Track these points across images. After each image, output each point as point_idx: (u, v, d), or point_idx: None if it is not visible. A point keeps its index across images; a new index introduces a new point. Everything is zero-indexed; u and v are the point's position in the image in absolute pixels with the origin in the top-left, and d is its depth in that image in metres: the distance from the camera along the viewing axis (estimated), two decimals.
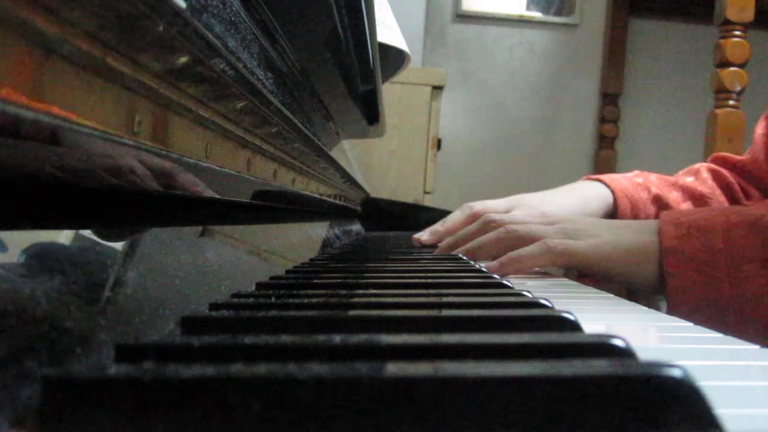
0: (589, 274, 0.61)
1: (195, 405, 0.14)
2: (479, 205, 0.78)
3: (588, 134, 2.53)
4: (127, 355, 0.18)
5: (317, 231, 0.73)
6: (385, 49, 0.97)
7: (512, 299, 0.30)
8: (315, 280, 0.39)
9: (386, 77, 1.06)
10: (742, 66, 1.39)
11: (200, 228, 0.33)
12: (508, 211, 0.76)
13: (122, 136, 0.20)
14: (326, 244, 0.73)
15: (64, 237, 0.20)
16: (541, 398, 0.14)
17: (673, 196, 0.85)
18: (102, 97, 0.19)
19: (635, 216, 0.83)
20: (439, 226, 0.81)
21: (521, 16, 2.47)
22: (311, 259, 0.54)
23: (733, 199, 0.86)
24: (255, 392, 0.14)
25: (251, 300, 0.29)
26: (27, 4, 0.14)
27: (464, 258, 0.59)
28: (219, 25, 0.29)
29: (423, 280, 0.39)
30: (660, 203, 0.84)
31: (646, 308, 0.40)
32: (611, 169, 2.41)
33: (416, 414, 0.14)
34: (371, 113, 0.81)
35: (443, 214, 1.00)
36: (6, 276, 0.17)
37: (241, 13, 0.37)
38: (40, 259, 0.18)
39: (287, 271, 0.43)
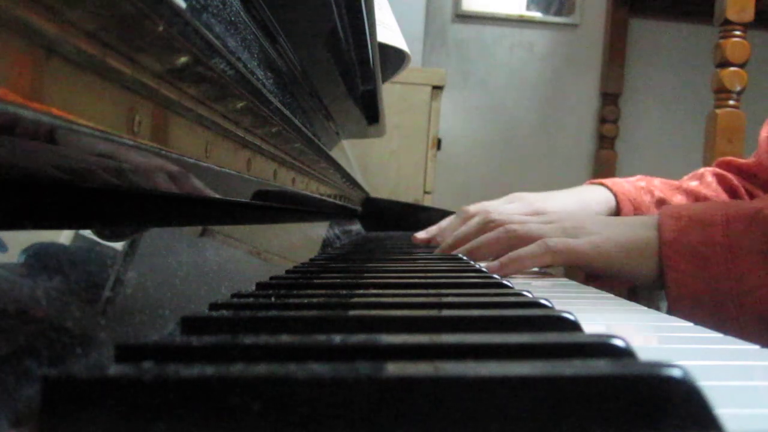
0: (594, 274, 0.61)
1: (195, 405, 0.14)
2: (475, 208, 0.77)
3: (588, 134, 2.53)
4: (127, 355, 0.18)
5: (317, 231, 0.73)
6: (385, 49, 0.97)
7: (512, 299, 0.30)
8: (315, 280, 0.39)
9: (386, 77, 1.06)
10: (742, 66, 1.39)
11: (200, 228, 0.33)
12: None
13: (122, 135, 0.20)
14: (326, 244, 0.73)
15: (64, 237, 0.20)
16: (541, 398, 0.14)
17: (677, 200, 0.84)
18: (102, 96, 0.19)
19: None
20: (434, 228, 0.81)
21: (521, 16, 2.47)
22: (311, 259, 0.54)
23: None
24: (255, 392, 0.14)
25: (251, 300, 0.29)
26: (27, 4, 0.14)
27: (464, 258, 0.59)
28: (219, 25, 0.29)
29: (423, 280, 0.39)
30: (663, 207, 0.84)
31: (646, 308, 0.40)
32: (611, 168, 2.41)
33: (416, 414, 0.14)
34: (371, 113, 0.81)
35: (443, 214, 1.00)
36: (6, 276, 0.17)
37: (241, 13, 0.37)
38: (40, 259, 0.18)
39: (287, 271, 0.43)
